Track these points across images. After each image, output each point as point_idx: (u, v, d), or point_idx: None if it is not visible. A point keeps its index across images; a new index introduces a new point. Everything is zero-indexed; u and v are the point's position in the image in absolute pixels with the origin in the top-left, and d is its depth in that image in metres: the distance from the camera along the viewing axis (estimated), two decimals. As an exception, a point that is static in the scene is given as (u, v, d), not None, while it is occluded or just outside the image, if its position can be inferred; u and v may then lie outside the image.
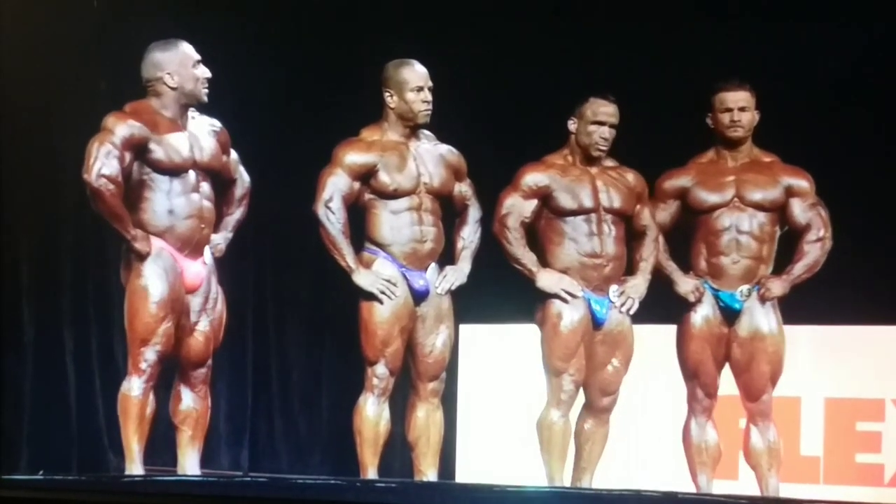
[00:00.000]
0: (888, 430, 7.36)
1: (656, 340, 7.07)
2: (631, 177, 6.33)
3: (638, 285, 6.24)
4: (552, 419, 6.20)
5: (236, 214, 6.22)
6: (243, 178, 6.23)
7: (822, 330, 7.32)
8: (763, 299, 6.20)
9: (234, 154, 6.19)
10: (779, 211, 6.26)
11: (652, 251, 6.30)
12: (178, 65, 5.91)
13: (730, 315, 6.22)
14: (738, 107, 6.25)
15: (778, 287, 6.20)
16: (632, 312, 6.23)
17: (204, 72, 5.96)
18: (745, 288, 6.20)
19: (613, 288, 6.21)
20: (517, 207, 6.23)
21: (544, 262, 6.23)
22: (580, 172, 6.25)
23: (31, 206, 7.62)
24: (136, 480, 5.79)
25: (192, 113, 6.02)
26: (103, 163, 5.75)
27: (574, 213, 6.20)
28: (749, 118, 6.28)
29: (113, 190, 5.77)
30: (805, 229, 6.24)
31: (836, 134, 7.13)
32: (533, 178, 6.26)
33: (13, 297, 7.60)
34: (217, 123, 6.11)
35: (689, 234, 6.35)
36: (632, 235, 6.31)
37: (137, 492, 5.70)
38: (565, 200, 6.21)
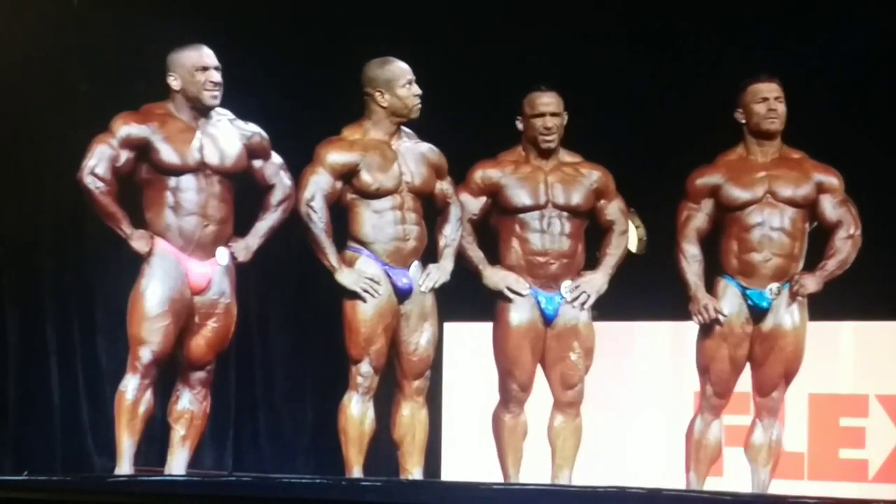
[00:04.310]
0: (872, 425, 7.38)
1: (651, 337, 7.10)
2: (592, 172, 6.27)
3: (595, 280, 6.21)
4: (501, 417, 6.23)
5: (268, 220, 6.05)
6: (283, 183, 6.05)
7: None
8: (795, 295, 6.11)
9: (275, 158, 6.05)
10: (809, 207, 6.16)
11: (617, 246, 6.26)
12: (182, 69, 5.88)
13: (757, 313, 6.14)
14: (774, 96, 6.14)
15: (812, 283, 6.11)
16: (586, 307, 6.19)
17: (209, 76, 5.89)
18: (774, 286, 6.10)
19: (566, 283, 6.18)
20: (466, 205, 6.24)
21: (496, 259, 6.23)
22: (532, 169, 6.23)
23: (12, 207, 7.62)
24: (121, 480, 5.78)
25: (218, 116, 5.96)
26: (96, 161, 5.76)
27: (522, 209, 6.18)
28: (784, 109, 6.16)
29: (102, 188, 5.75)
30: (836, 226, 6.14)
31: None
32: (483, 174, 6.25)
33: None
34: (251, 129, 6.01)
35: (719, 231, 6.23)
36: (600, 231, 6.29)
37: (122, 491, 5.68)
38: (514, 196, 6.20)
